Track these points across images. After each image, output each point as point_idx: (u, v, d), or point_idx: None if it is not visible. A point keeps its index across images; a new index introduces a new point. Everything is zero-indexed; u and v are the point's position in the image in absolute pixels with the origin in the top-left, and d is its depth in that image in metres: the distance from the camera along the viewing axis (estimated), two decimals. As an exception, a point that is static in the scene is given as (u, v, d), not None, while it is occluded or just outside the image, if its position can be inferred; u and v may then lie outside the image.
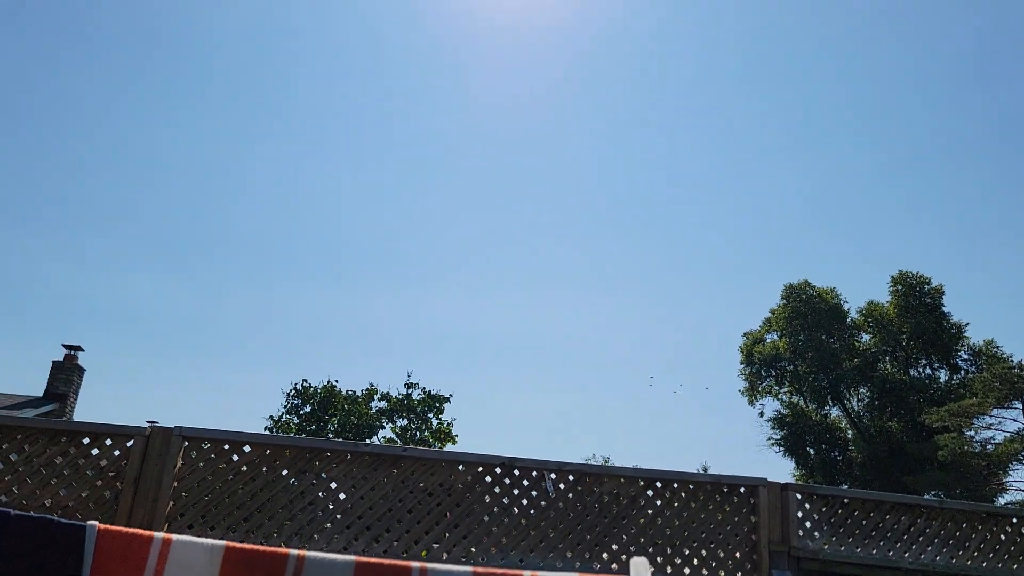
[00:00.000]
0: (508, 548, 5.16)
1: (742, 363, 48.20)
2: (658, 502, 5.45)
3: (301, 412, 25.09)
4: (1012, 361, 34.24)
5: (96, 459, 4.92)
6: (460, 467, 5.29)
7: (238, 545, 1.34)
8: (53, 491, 4.81)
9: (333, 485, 5.10)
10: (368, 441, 21.64)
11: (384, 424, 25.07)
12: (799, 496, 5.57)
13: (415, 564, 1.45)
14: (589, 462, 5.43)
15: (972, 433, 32.97)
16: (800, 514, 5.48)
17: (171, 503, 4.85)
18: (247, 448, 5.06)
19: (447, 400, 25.16)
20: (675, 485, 5.50)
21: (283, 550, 1.29)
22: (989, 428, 32.64)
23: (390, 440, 24.31)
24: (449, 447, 23.82)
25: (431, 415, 25.29)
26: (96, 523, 1.23)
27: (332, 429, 23.93)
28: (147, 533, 1.27)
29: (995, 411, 32.13)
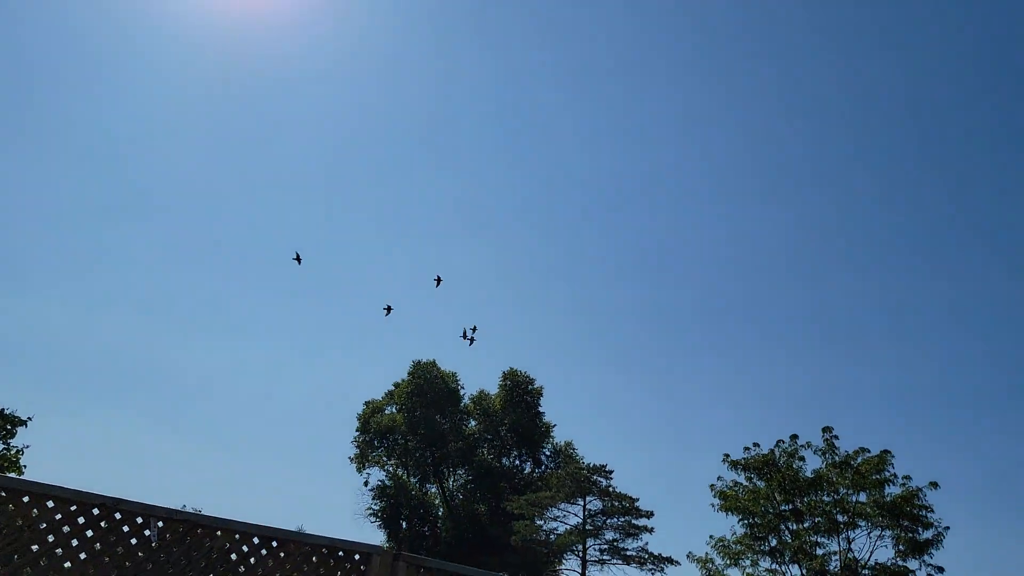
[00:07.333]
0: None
1: (358, 431, 48.80)
2: (270, 562, 5.26)
3: None
4: (583, 463, 39.60)
5: None
6: (50, 503, 4.57)
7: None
8: None
9: None
10: None
11: None
12: (407, 567, 5.79)
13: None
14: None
15: (542, 522, 37.12)
16: (406, 584, 5.68)
17: None
18: None
19: (23, 422, 21.28)
20: (291, 545, 5.37)
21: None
22: (556, 520, 37.06)
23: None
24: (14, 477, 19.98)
25: (-4, 437, 21.15)
26: None
27: None
28: None
29: (563, 505, 36.65)
